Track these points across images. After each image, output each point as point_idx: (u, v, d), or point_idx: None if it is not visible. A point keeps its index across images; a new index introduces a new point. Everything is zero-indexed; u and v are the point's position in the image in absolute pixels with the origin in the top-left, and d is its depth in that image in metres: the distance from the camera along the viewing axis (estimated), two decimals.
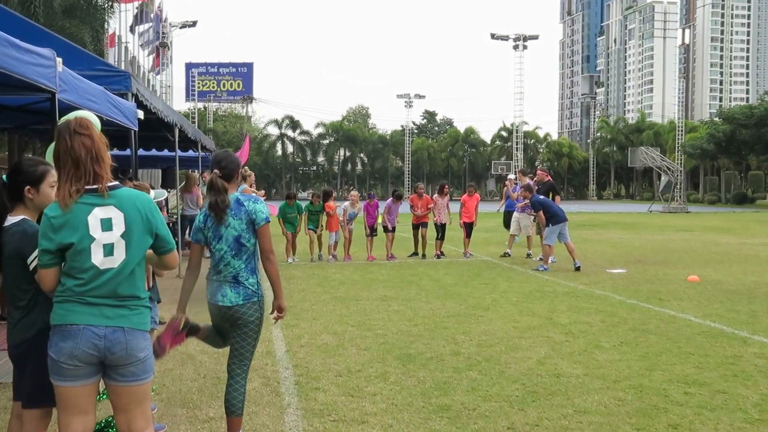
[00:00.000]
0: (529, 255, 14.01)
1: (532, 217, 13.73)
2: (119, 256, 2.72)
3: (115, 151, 14.82)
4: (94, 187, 2.69)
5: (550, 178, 14.18)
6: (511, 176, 18.74)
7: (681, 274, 11.53)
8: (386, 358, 5.89)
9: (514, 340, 6.62)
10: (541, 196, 13.11)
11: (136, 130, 6.56)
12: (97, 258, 2.68)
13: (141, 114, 6.67)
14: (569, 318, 7.69)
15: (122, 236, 2.72)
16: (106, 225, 2.70)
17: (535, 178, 13.96)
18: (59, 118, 4.50)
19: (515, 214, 14.25)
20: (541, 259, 12.62)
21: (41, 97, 4.98)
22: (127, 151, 7.04)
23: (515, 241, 15.30)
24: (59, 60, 4.23)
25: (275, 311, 3.89)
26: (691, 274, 11.35)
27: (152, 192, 4.11)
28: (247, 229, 3.70)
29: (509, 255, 14.20)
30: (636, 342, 6.57)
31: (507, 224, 16.32)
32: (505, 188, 16.89)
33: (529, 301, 8.82)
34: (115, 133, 9.54)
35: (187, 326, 3.70)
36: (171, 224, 13.98)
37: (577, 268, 11.85)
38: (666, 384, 5.19)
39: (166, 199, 13.91)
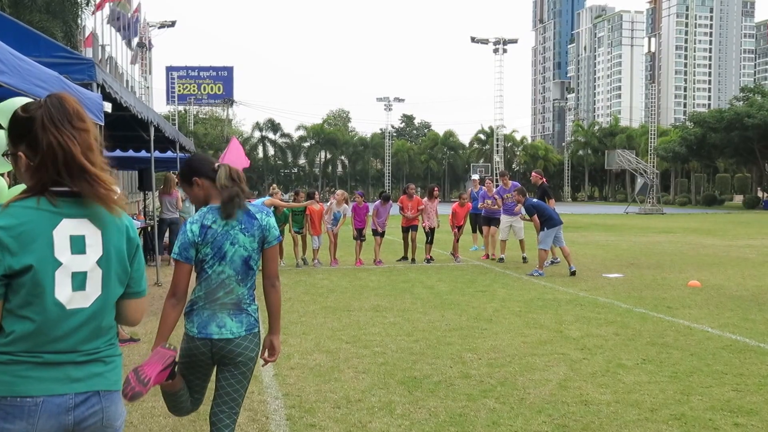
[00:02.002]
0: (524, 259, 13.34)
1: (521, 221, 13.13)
2: (93, 291, 1.85)
3: None
4: (65, 189, 1.82)
5: (544, 180, 13.53)
6: (475, 177, 18.07)
7: (679, 279, 11.07)
8: (389, 382, 5.17)
9: (527, 358, 5.96)
10: (535, 200, 12.55)
11: (102, 124, 5.70)
12: (64, 292, 1.80)
13: (108, 107, 5.82)
14: (580, 330, 7.07)
15: (99, 263, 1.86)
16: (78, 245, 1.83)
17: (531, 180, 13.38)
18: None
19: (505, 218, 13.52)
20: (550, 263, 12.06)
21: None
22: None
23: (473, 248, 15.08)
24: None
25: (266, 351, 3.10)
26: (690, 279, 10.92)
27: None
28: (257, 249, 2.94)
29: (503, 260, 13.39)
30: (659, 359, 5.97)
31: (474, 227, 15.56)
32: (470, 189, 16.29)
33: (533, 311, 8.18)
34: None
35: (175, 365, 2.83)
36: (149, 228, 13.12)
37: (573, 273, 11.33)
38: (710, 413, 4.57)
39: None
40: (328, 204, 12.83)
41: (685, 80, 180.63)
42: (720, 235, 21.86)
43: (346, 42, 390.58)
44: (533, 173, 13.69)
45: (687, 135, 57.39)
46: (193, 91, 63.70)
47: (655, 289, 10.02)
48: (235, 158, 19.22)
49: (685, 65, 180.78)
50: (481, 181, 16.15)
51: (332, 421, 4.32)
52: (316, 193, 13.24)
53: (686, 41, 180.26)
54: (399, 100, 65.63)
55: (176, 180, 13.12)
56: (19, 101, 3.67)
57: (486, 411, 4.56)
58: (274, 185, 13.54)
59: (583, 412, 4.57)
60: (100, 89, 5.95)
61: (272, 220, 3.00)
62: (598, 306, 8.53)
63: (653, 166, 49.07)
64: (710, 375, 5.46)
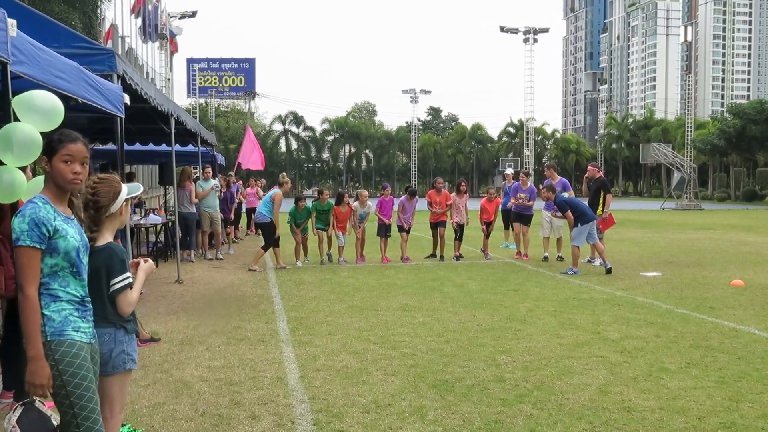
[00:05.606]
0: (560, 258, 12.91)
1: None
2: None
3: (110, 146, 13.84)
4: None
5: (602, 174, 12.88)
6: (509, 171, 17.46)
7: (721, 278, 10.63)
8: (419, 386, 4.97)
9: (564, 360, 5.70)
10: (566, 194, 12.19)
11: (122, 117, 5.59)
12: None
13: (127, 98, 5.71)
14: (619, 332, 6.77)
15: None
16: None
17: (587, 174, 12.83)
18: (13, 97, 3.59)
19: (545, 214, 13.03)
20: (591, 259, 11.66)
21: None
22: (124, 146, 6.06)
23: (504, 245, 14.58)
24: (12, 22, 3.28)
25: None
26: (732, 278, 10.49)
27: (125, 187, 3.16)
28: None
29: (547, 259, 12.79)
30: (704, 363, 5.66)
31: (507, 224, 14.98)
32: (504, 183, 15.81)
33: (568, 311, 7.89)
34: (98, 122, 8.58)
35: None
36: (170, 224, 13.02)
37: (609, 271, 10.96)
38: (761, 421, 4.29)
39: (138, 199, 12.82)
40: (352, 205, 12.56)
41: (723, 70, 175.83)
42: (762, 232, 21.13)
43: (371, 33, 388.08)
44: (589, 167, 12.95)
45: (726, 127, 55.89)
46: (215, 83, 63.50)
47: (696, 288, 9.63)
48: (255, 154, 18.84)
49: (723, 55, 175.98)
50: (515, 176, 15.65)
51: (361, 427, 4.14)
52: (346, 195, 12.95)
53: (724, 30, 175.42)
54: (425, 92, 64.86)
55: (192, 172, 12.88)
56: (38, 94, 3.56)
57: (523, 417, 4.33)
58: (284, 174, 13.03)
59: (626, 419, 4.32)
60: (120, 80, 5.84)
61: (14, 220, 2.63)
62: (637, 306, 8.20)
63: (690, 160, 47.81)
64: (760, 380, 5.15)
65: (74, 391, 2.62)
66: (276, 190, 11.92)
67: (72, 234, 2.70)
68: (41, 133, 3.29)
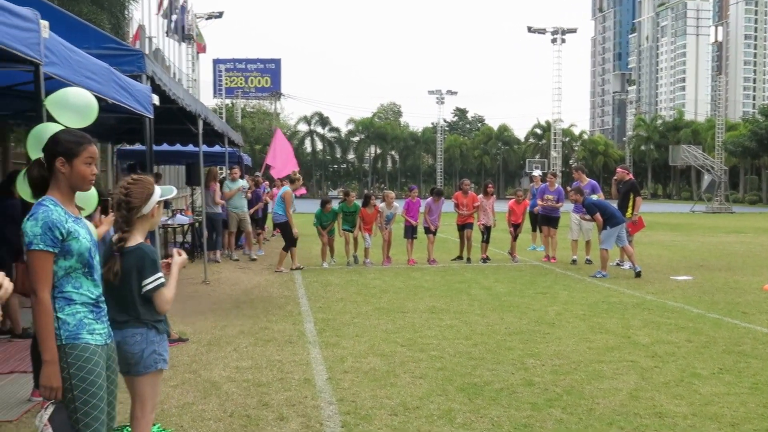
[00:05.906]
0: (588, 261, 12.70)
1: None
2: None
3: (137, 146, 13.99)
4: None
5: (631, 176, 12.65)
6: (537, 173, 17.25)
7: (754, 282, 10.41)
8: (447, 389, 4.95)
9: (594, 365, 5.63)
10: (595, 197, 12.03)
11: (152, 117, 5.65)
12: None
13: (156, 99, 5.77)
14: (649, 336, 6.67)
15: None
16: None
17: (616, 177, 12.63)
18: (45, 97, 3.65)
19: (574, 216, 12.80)
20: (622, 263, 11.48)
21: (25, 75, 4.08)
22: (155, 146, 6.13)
23: (531, 247, 14.42)
24: (44, 23, 3.33)
25: None
26: (765, 282, 10.30)
27: (158, 189, 3.18)
28: None
29: (575, 262, 12.62)
30: (737, 369, 5.54)
31: (534, 225, 14.89)
32: (531, 185, 15.63)
33: (598, 314, 7.78)
34: (126, 122, 8.65)
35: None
36: (196, 224, 13.13)
37: (638, 274, 10.80)
38: None
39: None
40: (378, 207, 12.53)
41: (755, 71, 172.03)
42: None
43: (397, 34, 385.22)
44: (618, 169, 12.71)
45: (757, 129, 54.77)
46: (241, 84, 63.49)
47: (728, 292, 9.44)
48: (285, 158, 18.77)
49: (755, 55, 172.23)
50: (542, 177, 15.51)
51: (389, 429, 4.13)
52: (373, 196, 12.91)
53: (756, 30, 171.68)
54: (451, 93, 64.29)
55: (218, 173, 12.85)
56: (72, 90, 3.62)
57: (552, 422, 4.28)
58: (295, 171, 12.86)
59: (657, 425, 4.25)
60: (149, 81, 5.88)
61: (26, 224, 2.61)
62: (668, 310, 8.07)
63: (721, 162, 46.89)
64: None
65: (80, 396, 2.63)
66: (286, 188, 11.89)
67: (83, 234, 2.70)
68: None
